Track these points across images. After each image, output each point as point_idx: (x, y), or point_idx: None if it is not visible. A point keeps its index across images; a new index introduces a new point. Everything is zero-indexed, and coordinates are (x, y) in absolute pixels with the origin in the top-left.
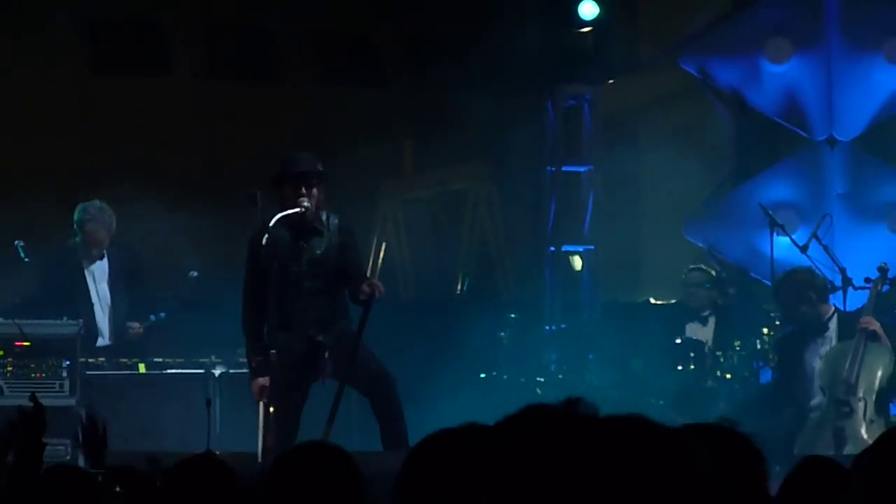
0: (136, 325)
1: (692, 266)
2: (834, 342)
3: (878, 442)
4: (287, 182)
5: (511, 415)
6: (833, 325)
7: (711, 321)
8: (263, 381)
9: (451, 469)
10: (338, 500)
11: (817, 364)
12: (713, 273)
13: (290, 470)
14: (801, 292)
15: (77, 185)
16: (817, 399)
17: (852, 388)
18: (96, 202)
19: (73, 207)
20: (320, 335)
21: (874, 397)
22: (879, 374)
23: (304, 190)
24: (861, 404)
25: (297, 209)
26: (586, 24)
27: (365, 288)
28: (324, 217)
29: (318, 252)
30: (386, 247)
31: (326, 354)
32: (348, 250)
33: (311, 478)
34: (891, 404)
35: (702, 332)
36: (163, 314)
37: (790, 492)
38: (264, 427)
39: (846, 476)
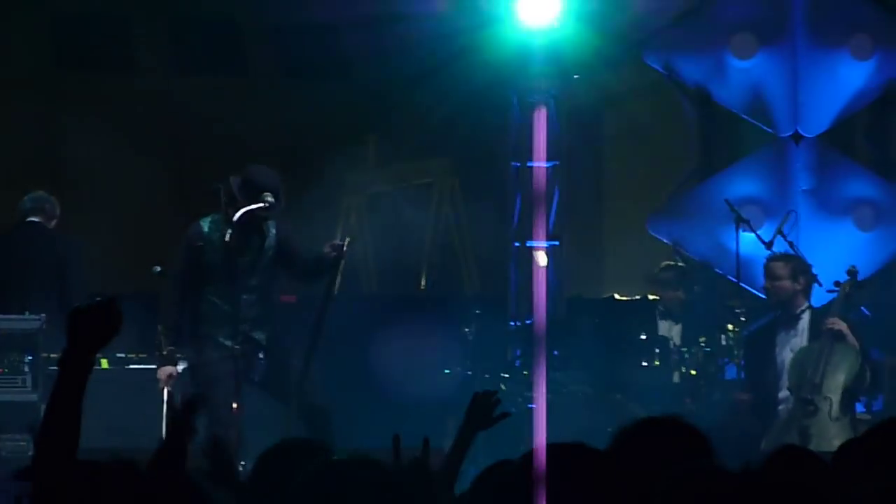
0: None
1: (666, 263)
2: (806, 336)
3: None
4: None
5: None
6: (806, 318)
7: (682, 322)
8: (172, 369)
9: None
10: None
11: (787, 355)
12: (683, 266)
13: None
14: (794, 273)
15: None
16: (784, 392)
17: (817, 388)
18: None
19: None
20: (255, 332)
21: (839, 396)
22: (845, 373)
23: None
24: (826, 403)
25: (260, 204)
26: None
27: (327, 248)
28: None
29: (258, 250)
30: (349, 241)
31: (261, 355)
32: (288, 240)
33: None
34: (856, 403)
35: (676, 329)
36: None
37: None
38: (168, 418)
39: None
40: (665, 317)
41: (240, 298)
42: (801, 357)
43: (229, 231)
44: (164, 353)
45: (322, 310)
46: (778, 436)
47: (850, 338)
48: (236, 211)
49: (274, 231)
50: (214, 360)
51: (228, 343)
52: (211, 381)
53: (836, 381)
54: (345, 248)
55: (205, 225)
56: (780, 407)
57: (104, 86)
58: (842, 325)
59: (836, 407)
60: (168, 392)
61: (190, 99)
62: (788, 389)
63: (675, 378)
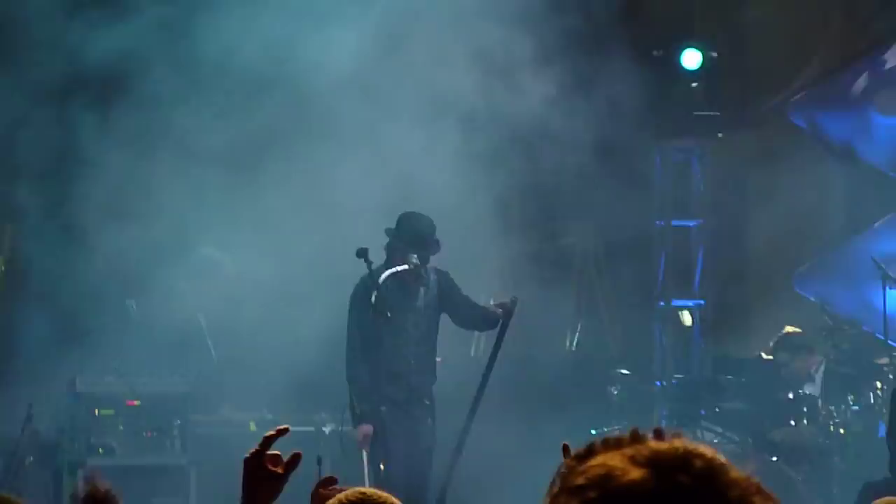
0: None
1: (784, 332)
2: None
3: None
4: (405, 245)
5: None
6: None
7: (819, 377)
8: (368, 428)
9: None
10: None
11: None
12: (804, 333)
13: None
14: None
15: None
16: None
17: None
18: None
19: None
20: (420, 382)
21: None
22: None
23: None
24: None
25: (407, 266)
26: (690, 74)
27: (495, 305)
28: (424, 272)
29: (422, 301)
30: (517, 301)
31: (431, 420)
32: (452, 291)
33: None
34: None
35: (811, 388)
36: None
37: None
38: (371, 477)
39: None
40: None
41: (405, 352)
42: None
43: (375, 293)
44: (358, 412)
45: (489, 369)
46: None
47: None
48: (400, 258)
49: (435, 279)
50: (386, 415)
51: (398, 396)
52: (383, 436)
53: None
54: (513, 309)
55: (372, 285)
56: None
57: None
58: None
59: None
60: (367, 453)
61: None
62: None
63: (823, 437)
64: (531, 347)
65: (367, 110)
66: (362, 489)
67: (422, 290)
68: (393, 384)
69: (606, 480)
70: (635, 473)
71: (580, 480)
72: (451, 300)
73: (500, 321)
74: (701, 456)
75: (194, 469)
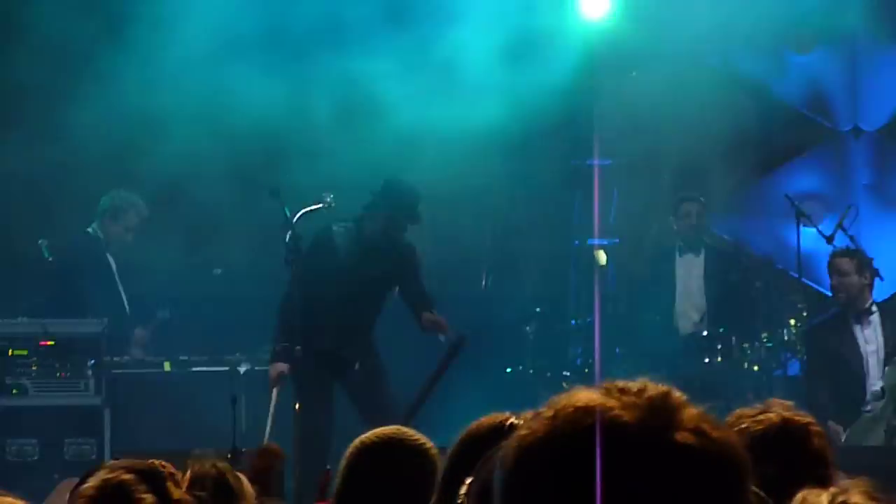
0: (140, 331)
1: (683, 196)
2: (879, 330)
3: None
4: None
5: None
6: (876, 312)
7: (703, 252)
8: (283, 366)
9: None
10: (414, 491)
11: (869, 350)
12: (703, 201)
13: (369, 459)
14: (860, 268)
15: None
16: (876, 386)
17: None
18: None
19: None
20: (346, 341)
21: None
22: None
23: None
24: None
25: (320, 205)
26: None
27: (439, 328)
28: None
29: (373, 263)
30: (465, 341)
31: (357, 365)
32: (411, 267)
33: (388, 468)
34: None
35: (696, 262)
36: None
37: None
38: (273, 416)
39: None
40: (683, 251)
41: (323, 303)
42: None
43: (290, 233)
44: (277, 349)
45: (429, 386)
46: (864, 429)
47: None
48: (375, 217)
49: (403, 249)
50: (310, 365)
51: (314, 344)
52: (304, 386)
53: None
54: (459, 348)
55: (329, 231)
56: (868, 399)
57: None
58: None
59: None
60: (276, 391)
61: None
62: (882, 389)
63: (738, 374)
64: (446, 285)
65: None
66: (400, 427)
67: (381, 252)
68: (310, 331)
69: (561, 401)
70: (592, 395)
71: (546, 407)
72: (405, 275)
73: (446, 354)
74: (656, 387)
75: (108, 410)
